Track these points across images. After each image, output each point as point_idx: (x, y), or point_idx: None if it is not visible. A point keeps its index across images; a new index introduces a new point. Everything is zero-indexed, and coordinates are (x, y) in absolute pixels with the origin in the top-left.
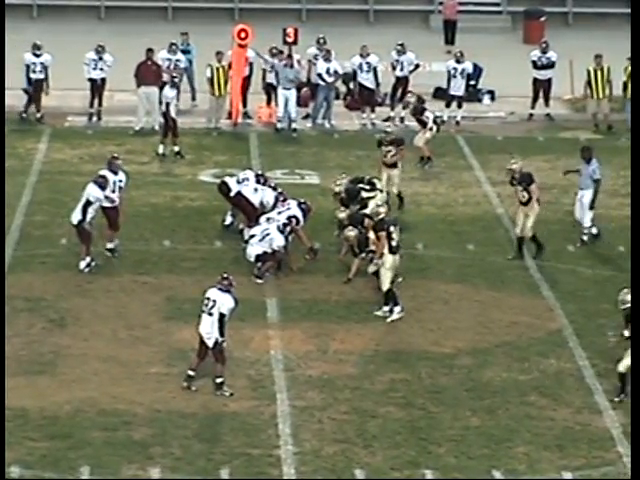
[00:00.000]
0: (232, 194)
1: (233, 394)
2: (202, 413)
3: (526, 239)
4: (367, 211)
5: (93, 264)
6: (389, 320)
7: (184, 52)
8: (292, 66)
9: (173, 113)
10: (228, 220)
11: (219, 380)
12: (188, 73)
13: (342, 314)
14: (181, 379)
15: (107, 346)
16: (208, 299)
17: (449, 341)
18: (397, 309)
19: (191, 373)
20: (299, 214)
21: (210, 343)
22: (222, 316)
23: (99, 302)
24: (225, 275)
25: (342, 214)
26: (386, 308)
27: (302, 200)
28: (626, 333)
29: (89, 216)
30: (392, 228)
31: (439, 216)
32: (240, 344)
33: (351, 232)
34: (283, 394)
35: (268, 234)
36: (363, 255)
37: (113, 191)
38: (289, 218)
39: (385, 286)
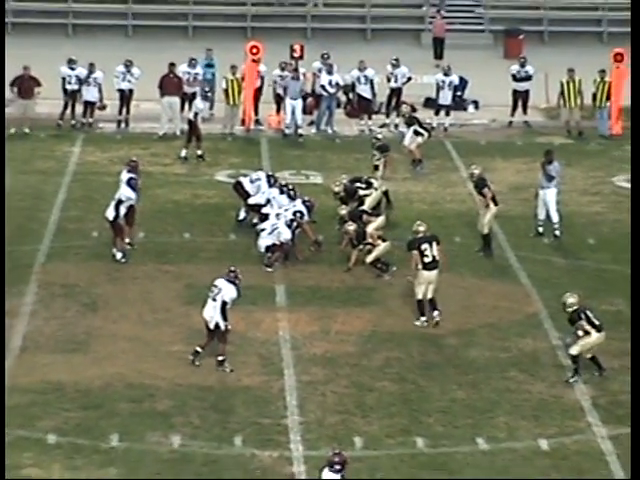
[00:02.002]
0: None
1: (233, 370)
2: (218, 387)
3: (480, 233)
4: (364, 207)
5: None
6: (414, 323)
7: (209, 66)
8: (298, 78)
9: (199, 122)
10: (242, 215)
11: (220, 358)
12: (211, 85)
13: (343, 299)
14: (200, 356)
15: (133, 327)
16: (215, 286)
17: (439, 323)
18: (422, 319)
19: (198, 349)
20: (304, 210)
21: (211, 325)
22: (224, 303)
23: (127, 288)
24: (232, 268)
25: (343, 211)
26: (436, 313)
27: (307, 198)
28: (579, 333)
29: (122, 213)
30: (425, 246)
31: (429, 212)
32: (252, 326)
33: (350, 226)
34: (290, 370)
35: (276, 228)
36: (361, 247)
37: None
38: (295, 213)
39: (417, 297)
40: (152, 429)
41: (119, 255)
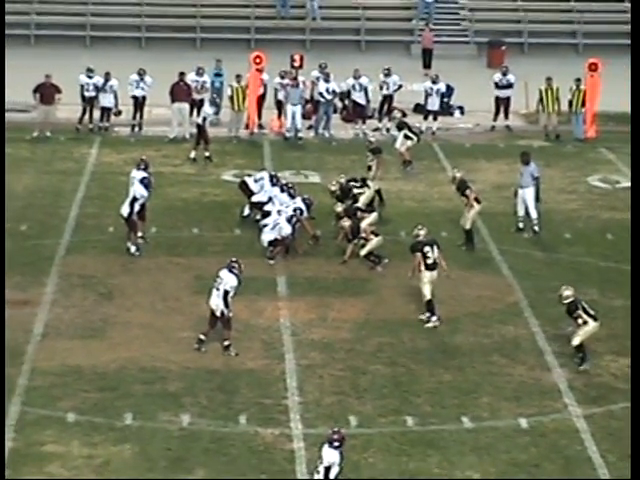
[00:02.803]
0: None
1: (238, 354)
2: (224, 370)
3: (462, 229)
4: (359, 204)
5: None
6: (426, 327)
7: (217, 75)
8: (298, 86)
9: (207, 126)
10: (246, 212)
11: (226, 343)
12: (219, 92)
13: (339, 289)
14: (208, 342)
15: (146, 315)
16: (219, 277)
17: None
18: (434, 319)
19: (202, 337)
20: (303, 207)
21: (218, 313)
22: (226, 292)
23: (140, 279)
24: (234, 259)
25: (339, 208)
26: (428, 314)
27: (306, 196)
28: (579, 321)
29: (135, 209)
30: (427, 248)
31: (418, 209)
32: (255, 314)
33: (346, 222)
34: (290, 354)
35: (278, 224)
36: (355, 241)
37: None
38: (295, 210)
39: (426, 297)
40: (163, 409)
41: (133, 249)
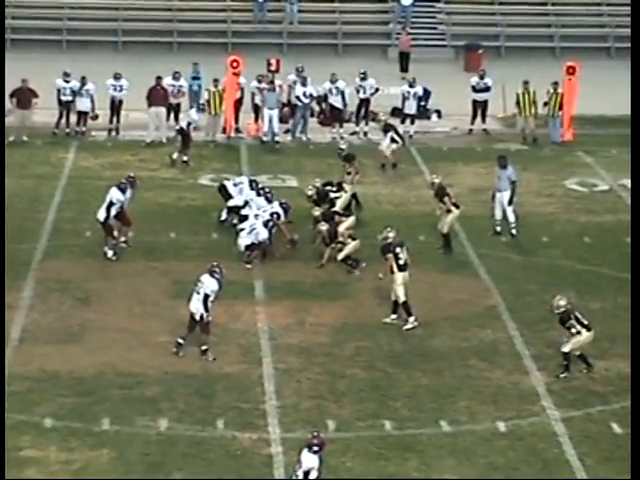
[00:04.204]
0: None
1: (215, 359)
2: (201, 374)
3: (440, 232)
4: (336, 208)
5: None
6: (405, 328)
7: (195, 78)
8: (275, 90)
9: (192, 131)
10: (223, 216)
11: (204, 347)
12: (198, 96)
13: (316, 293)
14: (185, 347)
15: (124, 320)
16: (199, 281)
17: (404, 315)
18: (411, 319)
19: (180, 341)
20: (281, 211)
21: (197, 317)
22: (206, 296)
23: (117, 283)
24: (215, 263)
25: (316, 212)
26: (394, 316)
27: (283, 200)
28: (573, 331)
29: (112, 214)
30: (398, 249)
31: (395, 212)
32: (233, 318)
33: (323, 226)
34: (268, 358)
35: (255, 228)
36: (333, 245)
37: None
38: (272, 215)
39: (401, 299)
40: (141, 413)
41: (110, 253)
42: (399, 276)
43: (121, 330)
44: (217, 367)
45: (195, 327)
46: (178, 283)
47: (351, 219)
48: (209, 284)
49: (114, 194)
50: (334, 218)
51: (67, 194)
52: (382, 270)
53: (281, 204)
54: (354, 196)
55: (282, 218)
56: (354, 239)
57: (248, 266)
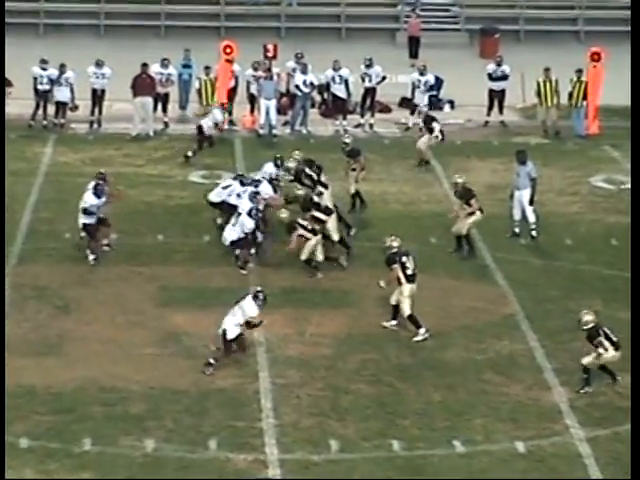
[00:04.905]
0: (217, 201)
1: (212, 374)
2: (192, 390)
3: (460, 235)
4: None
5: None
6: (415, 340)
7: (186, 66)
8: (272, 78)
9: (211, 131)
10: (219, 220)
11: (211, 361)
12: (188, 85)
13: (318, 301)
14: (174, 359)
15: (106, 330)
16: (239, 306)
17: (410, 326)
18: (421, 331)
19: (211, 361)
20: (266, 189)
21: (229, 336)
22: (247, 323)
23: (99, 290)
24: (260, 289)
25: (300, 191)
26: (394, 322)
27: (274, 177)
28: (600, 350)
29: (91, 220)
30: (404, 259)
31: (404, 212)
32: None
33: (283, 214)
34: (265, 372)
35: (240, 219)
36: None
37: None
38: (253, 195)
39: (406, 313)
40: (125, 433)
41: (91, 257)
42: (407, 288)
43: (103, 341)
44: (209, 382)
45: (231, 347)
46: (165, 290)
47: (332, 218)
48: (250, 311)
49: (87, 198)
50: (311, 209)
51: (44, 193)
52: (384, 278)
53: (271, 181)
54: (358, 194)
55: (269, 195)
56: (315, 234)
57: (243, 272)
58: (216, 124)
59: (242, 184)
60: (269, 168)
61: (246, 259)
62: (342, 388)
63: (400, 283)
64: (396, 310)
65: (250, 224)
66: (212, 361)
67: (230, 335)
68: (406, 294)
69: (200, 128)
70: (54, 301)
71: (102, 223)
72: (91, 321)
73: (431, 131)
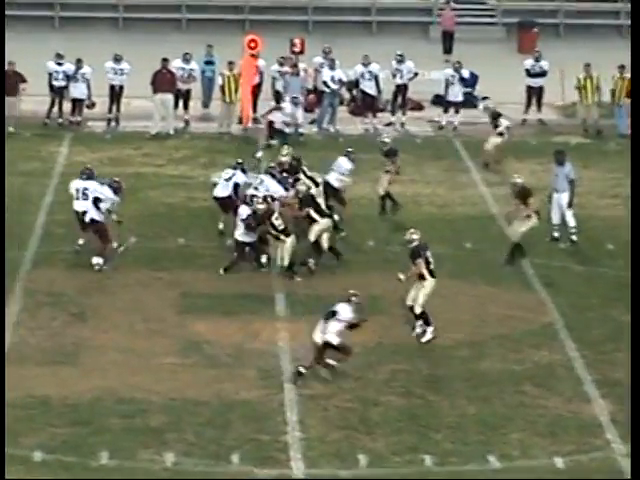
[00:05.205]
0: (225, 196)
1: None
2: (214, 401)
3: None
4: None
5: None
6: (423, 340)
7: (208, 63)
8: (298, 74)
9: (282, 126)
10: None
11: (301, 369)
12: (212, 83)
13: None
14: (195, 369)
15: (125, 338)
16: (335, 312)
17: (447, 334)
18: (430, 329)
19: (302, 370)
20: (278, 190)
21: (334, 343)
22: (342, 324)
23: (117, 296)
24: (353, 291)
25: (302, 186)
26: (420, 322)
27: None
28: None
29: (103, 210)
30: (428, 252)
31: (438, 215)
32: (250, 336)
33: (260, 205)
34: (290, 383)
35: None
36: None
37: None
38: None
39: (420, 309)
40: (144, 446)
41: (100, 261)
42: (431, 282)
43: (121, 350)
44: (232, 393)
45: (323, 356)
46: (187, 296)
47: (325, 221)
48: (346, 315)
49: (104, 191)
50: (308, 205)
51: (60, 194)
52: (405, 272)
53: (280, 181)
54: (389, 196)
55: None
56: (287, 235)
57: (263, 269)
58: (287, 124)
59: (244, 172)
60: (344, 163)
61: (258, 253)
62: (371, 400)
63: (424, 278)
64: (422, 313)
65: (245, 211)
66: (302, 369)
67: (334, 342)
68: (428, 290)
69: (271, 123)
70: (70, 308)
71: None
72: (109, 329)
73: (497, 127)
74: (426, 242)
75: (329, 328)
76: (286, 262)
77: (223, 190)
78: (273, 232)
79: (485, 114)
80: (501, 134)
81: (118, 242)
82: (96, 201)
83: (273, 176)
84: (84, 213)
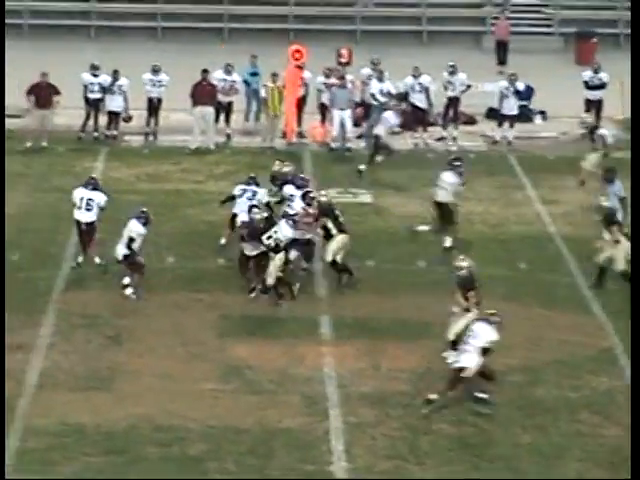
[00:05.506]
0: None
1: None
2: (256, 429)
3: (603, 267)
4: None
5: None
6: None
7: (254, 74)
8: (346, 87)
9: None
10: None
11: (481, 396)
12: (257, 95)
13: (394, 332)
14: (236, 395)
15: (162, 362)
16: (471, 330)
17: (500, 358)
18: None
19: (433, 397)
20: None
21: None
22: (484, 350)
23: (154, 319)
24: (494, 311)
25: (324, 198)
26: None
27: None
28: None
29: (136, 248)
30: (477, 283)
31: (491, 235)
32: (294, 361)
33: (257, 215)
34: (336, 410)
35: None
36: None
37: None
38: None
39: (452, 337)
40: (183, 475)
41: (129, 291)
42: (475, 313)
43: (159, 375)
44: (275, 420)
45: (459, 384)
46: (227, 319)
47: (341, 237)
48: (488, 335)
49: (135, 227)
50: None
51: None
52: (455, 303)
53: (304, 195)
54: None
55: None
56: (277, 251)
57: (283, 304)
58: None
59: (257, 185)
60: (449, 177)
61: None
62: (421, 428)
63: (467, 310)
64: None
65: (288, 232)
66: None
67: (472, 366)
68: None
69: (377, 138)
70: (105, 330)
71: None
72: (145, 353)
73: (593, 142)
74: (474, 270)
75: (465, 351)
76: (270, 281)
77: (242, 207)
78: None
79: (582, 127)
80: (596, 149)
81: (103, 259)
82: (130, 242)
83: (297, 186)
84: (87, 224)
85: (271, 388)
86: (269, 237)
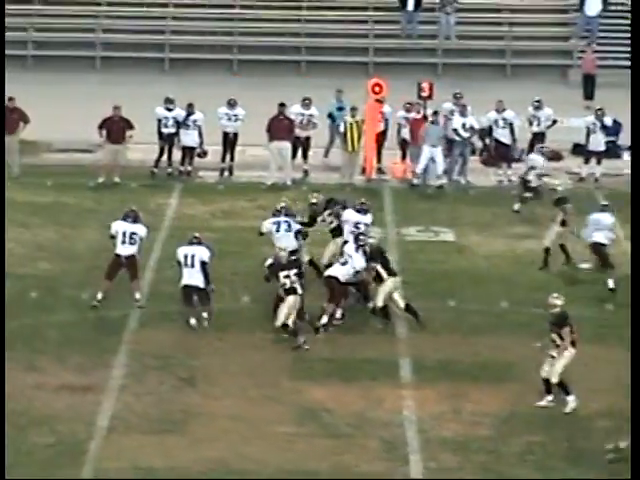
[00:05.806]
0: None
1: None
2: (331, 473)
3: None
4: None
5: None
6: (565, 411)
7: (340, 109)
8: (438, 122)
9: (537, 182)
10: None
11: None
12: (339, 130)
13: (477, 374)
14: (312, 439)
15: (236, 405)
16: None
17: (587, 403)
18: (570, 398)
19: None
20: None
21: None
22: None
23: (229, 360)
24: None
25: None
26: (550, 397)
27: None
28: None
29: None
30: (572, 321)
31: (571, 274)
32: (373, 404)
33: (282, 252)
34: (416, 456)
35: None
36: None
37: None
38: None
39: (556, 379)
40: None
41: (192, 321)
42: (571, 352)
43: (233, 417)
44: (352, 465)
45: None
46: (303, 360)
47: (391, 280)
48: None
49: (202, 253)
50: (376, 260)
51: (168, 249)
52: (541, 340)
53: (356, 238)
54: (563, 249)
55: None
56: (288, 293)
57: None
58: (532, 168)
59: (287, 215)
60: (605, 218)
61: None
62: (504, 475)
63: (571, 347)
64: (549, 382)
65: (360, 262)
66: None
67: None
68: (568, 361)
69: (525, 182)
70: (178, 372)
71: (131, 273)
72: (219, 395)
73: None
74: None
75: None
76: (279, 322)
77: (291, 241)
78: (280, 289)
79: None
80: None
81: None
82: (204, 266)
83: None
84: (127, 257)
85: (348, 432)
86: (287, 276)
